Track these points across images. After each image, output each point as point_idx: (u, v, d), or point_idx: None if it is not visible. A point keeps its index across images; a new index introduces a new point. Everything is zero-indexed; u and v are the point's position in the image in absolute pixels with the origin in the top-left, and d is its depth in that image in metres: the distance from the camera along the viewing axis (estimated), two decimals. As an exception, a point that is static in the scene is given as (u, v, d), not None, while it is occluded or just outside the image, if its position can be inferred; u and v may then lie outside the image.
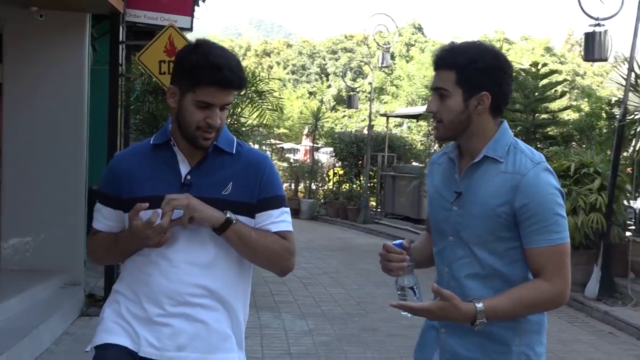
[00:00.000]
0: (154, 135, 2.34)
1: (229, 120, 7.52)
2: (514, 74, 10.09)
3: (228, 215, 2.17)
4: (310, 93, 44.74)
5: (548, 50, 50.03)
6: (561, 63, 46.59)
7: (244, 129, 7.45)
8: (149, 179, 2.24)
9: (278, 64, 54.20)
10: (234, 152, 2.28)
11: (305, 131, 22.59)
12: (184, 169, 2.25)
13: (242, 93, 6.44)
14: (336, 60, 52.35)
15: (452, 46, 2.25)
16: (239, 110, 7.54)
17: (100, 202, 2.34)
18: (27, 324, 5.69)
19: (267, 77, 8.70)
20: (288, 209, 2.33)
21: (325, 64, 52.74)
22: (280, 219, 2.28)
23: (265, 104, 7.89)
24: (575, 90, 44.38)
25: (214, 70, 2.12)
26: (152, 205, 2.16)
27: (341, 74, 48.18)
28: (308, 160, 21.04)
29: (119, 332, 2.24)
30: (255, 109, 7.86)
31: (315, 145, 20.40)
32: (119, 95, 7.28)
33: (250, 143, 7.97)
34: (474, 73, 2.15)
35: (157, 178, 2.24)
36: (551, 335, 6.74)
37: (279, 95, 8.99)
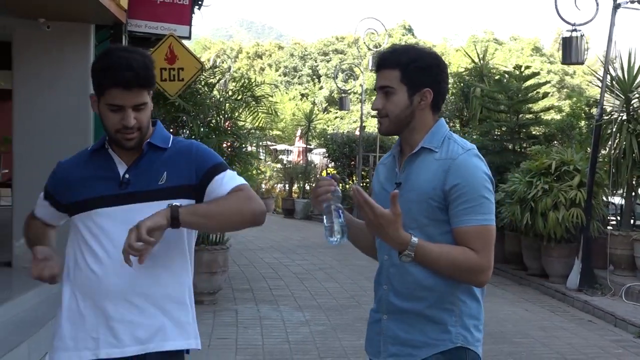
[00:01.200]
0: (94, 143, 2.44)
1: (227, 124, 7.94)
2: (499, 76, 10.61)
3: (172, 205, 2.20)
4: (303, 95, 45.09)
5: (537, 50, 50.54)
6: (550, 63, 47.10)
7: (241, 131, 7.84)
8: (87, 182, 2.32)
9: (270, 66, 54.47)
10: (169, 146, 2.35)
11: (298, 133, 22.96)
12: (122, 169, 2.31)
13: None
14: (327, 62, 52.62)
15: (394, 48, 2.40)
16: (237, 114, 7.97)
17: (44, 196, 2.48)
18: (43, 316, 6.07)
19: (262, 82, 9.11)
20: (233, 172, 2.38)
21: (317, 66, 53.00)
22: (225, 180, 2.32)
23: (261, 107, 8.30)
24: (565, 90, 44.94)
25: (112, 72, 2.16)
26: (91, 206, 2.29)
27: (333, 75, 48.76)
28: (301, 162, 21.43)
29: (73, 347, 2.28)
30: (250, 113, 8.27)
31: (308, 146, 20.79)
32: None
33: (247, 145, 8.36)
34: (416, 71, 2.31)
35: (97, 181, 2.31)
36: (533, 324, 7.26)
37: (273, 98, 9.37)
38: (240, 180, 2.36)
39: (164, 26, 8.04)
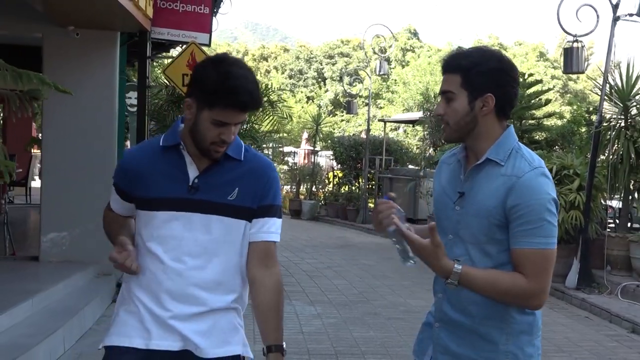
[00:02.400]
0: (163, 136, 2.36)
1: (245, 127, 8.38)
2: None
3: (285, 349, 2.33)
4: (309, 98, 45.46)
5: (541, 55, 50.86)
6: (554, 68, 47.40)
7: (258, 134, 8.28)
8: (157, 180, 2.28)
9: (276, 68, 54.87)
10: (242, 159, 2.34)
11: (305, 135, 23.35)
12: (192, 172, 2.28)
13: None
14: (333, 64, 53.03)
15: (458, 51, 2.31)
16: (255, 118, 8.41)
17: (115, 191, 2.43)
18: (73, 306, 6.51)
19: (278, 88, 9.56)
20: (281, 220, 2.40)
21: (322, 69, 53.40)
22: (272, 230, 2.36)
23: (276, 112, 8.74)
24: (568, 95, 45.27)
25: (232, 94, 2.15)
26: (157, 206, 2.27)
27: (338, 78, 49.11)
28: (307, 164, 21.84)
29: (128, 333, 2.30)
30: (267, 117, 8.71)
31: (314, 149, 21.19)
32: (146, 105, 8.11)
33: (264, 147, 8.81)
34: (478, 75, 2.20)
35: (165, 180, 2.28)
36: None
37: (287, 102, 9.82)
38: (278, 238, 2.38)
39: (185, 34, 8.49)
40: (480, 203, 2.19)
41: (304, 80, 52.98)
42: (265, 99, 8.54)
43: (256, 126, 8.49)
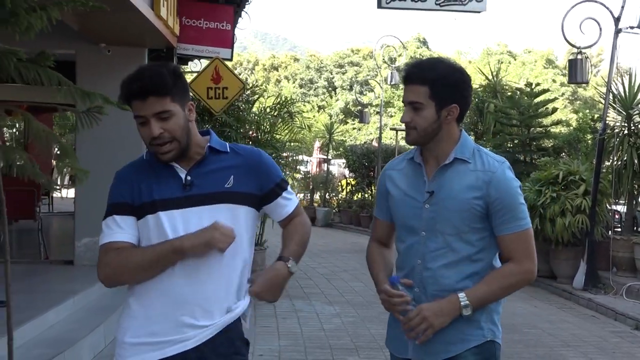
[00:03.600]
0: (146, 151, 2.38)
1: (266, 137, 8.85)
2: (511, 93, 11.53)
3: (292, 270, 2.34)
4: (320, 107, 45.89)
5: (550, 62, 51.08)
6: (563, 75, 47.76)
7: (278, 143, 8.76)
8: (151, 186, 2.27)
9: (287, 78, 55.34)
10: (228, 150, 2.36)
11: (317, 144, 23.78)
12: (182, 172, 2.28)
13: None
14: (343, 74, 53.43)
15: (420, 62, 2.50)
16: (276, 128, 8.90)
17: (117, 213, 2.28)
18: (109, 305, 6.97)
19: (292, 100, 10.03)
20: (288, 184, 2.49)
21: (333, 78, 53.81)
22: (290, 198, 2.46)
23: (295, 123, 9.21)
24: (577, 102, 45.54)
25: (126, 87, 2.21)
26: (158, 208, 2.24)
27: (348, 87, 49.57)
28: (319, 172, 22.28)
29: (143, 350, 2.26)
30: (286, 127, 9.19)
31: (326, 157, 21.63)
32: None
33: (285, 155, 9.28)
34: (444, 88, 2.40)
35: (159, 184, 2.27)
36: (541, 317, 8.08)
37: (307, 114, 10.29)
38: (296, 200, 2.49)
39: (208, 49, 8.99)
40: (460, 197, 2.41)
41: (314, 90, 53.36)
42: (284, 110, 9.02)
43: (277, 136, 8.97)
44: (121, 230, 2.26)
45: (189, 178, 2.27)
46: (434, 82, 2.39)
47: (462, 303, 2.37)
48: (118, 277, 2.28)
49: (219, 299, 2.28)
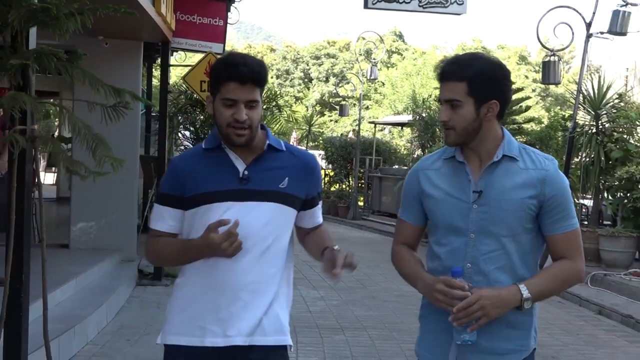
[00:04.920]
0: (204, 140, 2.45)
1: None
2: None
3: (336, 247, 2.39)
4: (297, 98, 46.23)
5: (523, 58, 51.98)
6: (536, 71, 48.69)
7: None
8: (207, 177, 2.33)
9: (263, 68, 55.50)
10: (284, 149, 2.42)
11: (294, 135, 24.20)
12: (240, 165, 2.34)
13: (265, 95, 7.79)
14: (319, 65, 53.83)
15: (457, 59, 2.36)
16: (265, 121, 9.33)
17: (162, 204, 2.39)
18: (109, 286, 7.39)
19: (279, 93, 10.49)
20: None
21: (309, 69, 54.19)
22: (319, 212, 2.57)
23: (283, 115, 9.67)
24: (549, 98, 46.48)
25: (230, 68, 2.27)
26: (211, 199, 2.31)
27: (324, 79, 49.99)
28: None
29: (182, 332, 2.35)
30: (274, 120, 9.63)
31: (304, 149, 22.08)
32: (167, 108, 8.99)
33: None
34: (483, 84, 2.28)
35: (216, 175, 2.33)
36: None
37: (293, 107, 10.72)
38: (321, 216, 2.58)
39: (202, 44, 9.38)
40: (514, 196, 2.29)
41: (290, 81, 53.69)
42: (273, 103, 9.46)
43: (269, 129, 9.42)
44: (163, 220, 2.39)
45: (246, 173, 2.33)
46: (472, 78, 2.27)
47: (523, 295, 2.24)
48: (157, 261, 2.62)
49: (263, 290, 2.34)
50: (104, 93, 4.02)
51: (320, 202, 2.55)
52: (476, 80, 2.27)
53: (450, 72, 2.31)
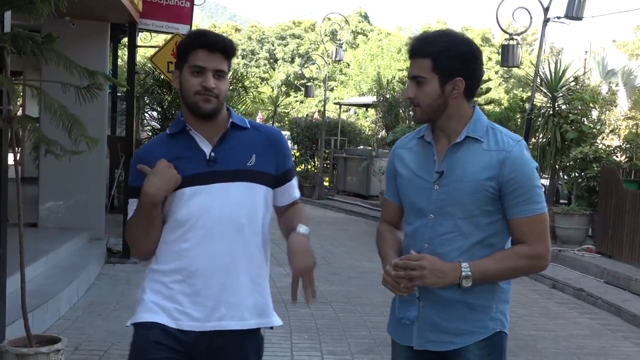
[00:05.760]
0: (169, 126, 2.44)
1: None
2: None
3: (306, 232, 2.38)
4: (262, 79, 46.17)
5: (486, 40, 52.45)
6: (498, 54, 49.27)
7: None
8: (175, 163, 2.29)
9: (228, 48, 55.19)
10: (248, 126, 2.39)
11: (259, 116, 24.30)
12: (206, 147, 2.31)
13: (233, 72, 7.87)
14: (285, 46, 53.72)
15: (425, 35, 2.34)
16: (231, 102, 9.49)
17: (133, 196, 2.34)
18: (79, 264, 7.53)
19: (252, 75, 10.64)
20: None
21: (274, 50, 54.05)
22: (295, 186, 2.50)
23: (249, 96, 9.83)
24: (512, 79, 47.13)
25: (199, 37, 2.30)
26: (183, 184, 2.27)
27: (290, 59, 49.97)
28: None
29: (157, 311, 2.31)
30: (240, 101, 9.80)
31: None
32: (134, 88, 9.08)
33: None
34: (448, 60, 2.25)
35: (182, 160, 2.30)
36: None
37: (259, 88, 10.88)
38: (298, 192, 2.52)
39: (168, 25, 9.46)
40: (472, 178, 2.26)
41: (256, 61, 53.50)
42: (239, 84, 9.61)
43: (233, 109, 9.58)
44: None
45: (213, 154, 2.31)
46: (437, 55, 2.25)
47: (463, 272, 2.22)
48: (134, 245, 2.39)
49: (239, 272, 2.32)
50: (78, 74, 4.15)
51: (295, 178, 2.49)
52: (441, 56, 2.25)
53: (417, 48, 2.30)
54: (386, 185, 2.57)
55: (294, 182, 2.49)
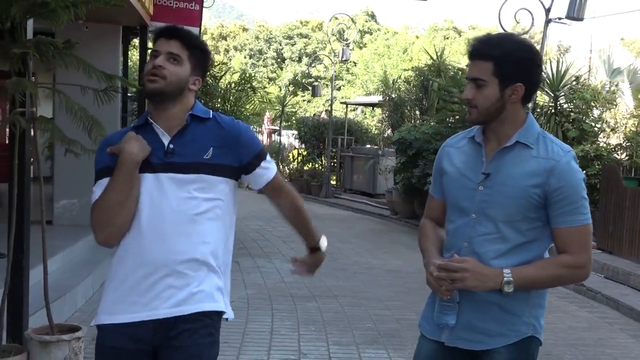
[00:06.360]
0: (135, 120, 2.59)
1: (232, 110, 9.70)
2: (453, 73, 12.64)
3: (322, 248, 2.74)
4: (270, 79, 46.41)
5: (494, 39, 52.64)
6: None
7: (242, 116, 9.63)
8: None
9: (236, 48, 55.51)
10: (210, 116, 2.42)
11: (267, 114, 24.58)
12: (165, 139, 2.36)
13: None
14: (292, 45, 53.93)
15: (488, 38, 2.34)
16: (240, 103, 9.76)
17: (100, 177, 2.43)
18: (94, 260, 7.79)
19: (258, 77, 10.90)
20: (266, 152, 2.53)
21: (282, 49, 54.28)
22: (268, 168, 2.48)
23: (257, 97, 10.08)
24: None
25: (160, 29, 2.43)
26: (139, 171, 2.33)
27: (297, 58, 50.20)
28: (269, 142, 23.12)
29: (118, 311, 2.34)
30: (249, 101, 10.05)
31: (276, 128, 22.47)
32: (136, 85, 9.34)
33: (250, 126, 10.18)
34: (509, 65, 2.25)
35: None
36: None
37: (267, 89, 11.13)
38: (273, 165, 2.53)
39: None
40: (518, 183, 2.28)
41: (263, 60, 53.74)
42: (248, 85, 9.87)
43: (241, 109, 9.84)
44: (100, 190, 2.41)
45: (171, 146, 2.34)
46: (499, 58, 2.25)
47: (505, 278, 2.24)
48: (105, 223, 2.38)
49: (191, 259, 2.33)
50: (97, 78, 4.40)
51: (265, 161, 2.47)
52: (503, 60, 2.25)
53: (478, 50, 2.30)
54: (433, 181, 2.61)
55: (265, 165, 2.47)
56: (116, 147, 2.34)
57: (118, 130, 2.71)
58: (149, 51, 2.46)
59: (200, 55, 2.43)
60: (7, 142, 9.84)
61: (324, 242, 2.69)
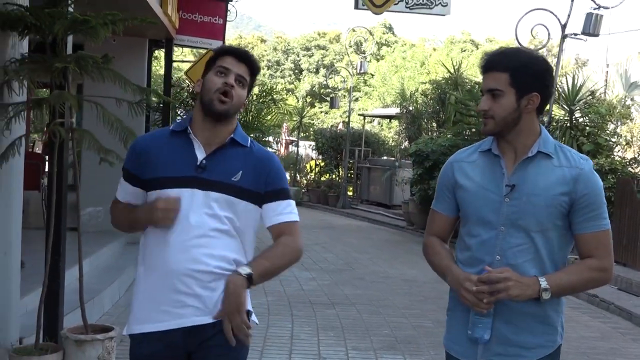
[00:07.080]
0: (174, 124, 2.54)
1: (254, 121, 9.96)
2: (470, 86, 12.84)
3: (244, 273, 2.32)
4: (288, 90, 46.77)
5: (511, 52, 52.65)
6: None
7: (264, 127, 9.89)
8: (167, 161, 2.39)
9: (254, 59, 55.81)
10: (248, 145, 2.47)
11: (285, 125, 24.85)
12: (200, 154, 2.39)
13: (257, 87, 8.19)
14: (310, 57, 54.25)
15: (502, 51, 2.42)
16: (262, 114, 10.02)
17: (124, 177, 2.50)
18: (119, 265, 8.06)
19: (282, 89, 11.17)
20: (293, 202, 2.51)
21: (299, 60, 54.60)
22: (287, 211, 2.47)
23: (278, 109, 10.34)
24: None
25: (230, 48, 2.48)
26: (165, 184, 2.37)
27: (315, 70, 50.54)
28: (286, 153, 23.39)
29: (150, 320, 2.40)
30: (270, 113, 10.31)
31: (294, 139, 22.72)
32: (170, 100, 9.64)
33: (270, 137, 10.42)
34: (526, 76, 2.32)
35: (175, 160, 2.39)
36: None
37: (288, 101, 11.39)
38: (296, 217, 2.49)
39: (202, 41, 10.01)
40: (545, 192, 2.32)
41: (281, 72, 54.08)
42: (269, 97, 10.13)
43: (262, 120, 10.11)
44: (124, 192, 2.54)
45: (204, 162, 2.38)
46: (516, 69, 2.32)
47: (542, 285, 2.28)
48: (117, 225, 2.67)
49: (214, 271, 2.37)
50: (132, 91, 4.65)
51: (286, 203, 2.47)
52: (519, 71, 2.31)
53: (495, 62, 2.35)
54: (437, 197, 2.58)
55: (284, 205, 2.46)
56: (164, 206, 2.34)
57: (152, 131, 2.83)
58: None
59: (253, 82, 2.54)
60: (33, 150, 10.24)
61: (246, 268, 2.36)
